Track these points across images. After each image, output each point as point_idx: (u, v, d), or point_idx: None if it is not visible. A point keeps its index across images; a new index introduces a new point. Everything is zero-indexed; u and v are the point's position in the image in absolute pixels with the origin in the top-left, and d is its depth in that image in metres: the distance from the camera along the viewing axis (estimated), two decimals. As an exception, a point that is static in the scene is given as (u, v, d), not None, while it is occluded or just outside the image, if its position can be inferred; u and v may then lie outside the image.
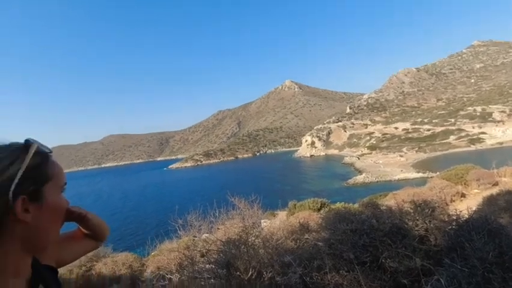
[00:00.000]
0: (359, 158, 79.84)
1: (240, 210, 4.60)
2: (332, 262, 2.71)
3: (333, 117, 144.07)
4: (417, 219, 3.00)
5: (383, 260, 2.45)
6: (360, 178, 55.80)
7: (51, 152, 0.77)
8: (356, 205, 8.79)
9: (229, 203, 5.18)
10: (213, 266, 2.69)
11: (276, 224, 6.47)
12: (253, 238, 2.95)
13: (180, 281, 3.25)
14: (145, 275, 6.87)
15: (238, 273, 2.34)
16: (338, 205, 10.74)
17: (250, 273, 2.32)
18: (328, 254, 2.70)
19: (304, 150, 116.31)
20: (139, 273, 7.04)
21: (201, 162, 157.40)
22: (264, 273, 2.39)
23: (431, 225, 2.96)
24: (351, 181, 54.46)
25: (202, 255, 3.19)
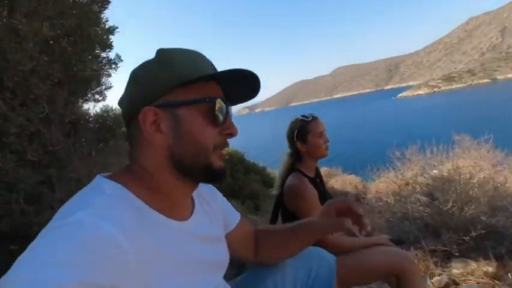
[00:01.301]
0: None
1: (465, 149, 4.42)
2: None
3: None
4: None
5: None
6: None
7: (309, 118, 1.59)
8: None
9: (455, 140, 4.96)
10: (417, 195, 3.20)
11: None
12: (466, 177, 3.07)
13: (391, 203, 4.00)
14: (367, 196, 8.15)
15: (437, 202, 2.74)
16: None
17: (450, 205, 2.64)
18: None
19: None
20: (362, 193, 8.43)
21: (439, 88, 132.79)
22: (466, 208, 2.61)
23: None
24: None
25: (407, 184, 3.71)
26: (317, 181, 1.54)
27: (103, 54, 1.75)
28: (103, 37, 1.63)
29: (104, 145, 1.81)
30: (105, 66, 1.76)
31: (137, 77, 0.65)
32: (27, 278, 0.39)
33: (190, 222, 0.68)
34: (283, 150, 1.60)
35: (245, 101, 0.76)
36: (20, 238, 0.99)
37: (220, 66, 0.69)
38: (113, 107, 2.00)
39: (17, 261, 0.42)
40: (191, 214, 0.70)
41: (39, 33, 1.07)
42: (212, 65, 0.67)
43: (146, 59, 0.67)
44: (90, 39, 1.52)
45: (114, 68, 1.78)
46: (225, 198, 0.90)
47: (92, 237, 0.45)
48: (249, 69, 0.63)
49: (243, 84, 0.69)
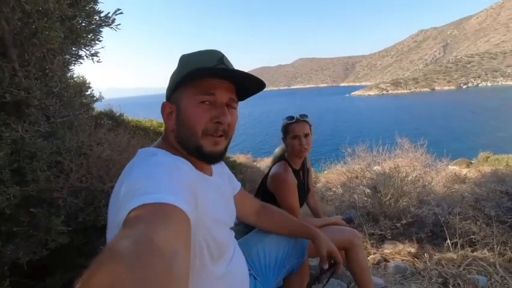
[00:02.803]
0: None
1: (404, 150, 5.13)
2: (472, 213, 3.08)
3: None
4: None
5: (528, 225, 2.61)
6: None
7: (292, 120, 1.88)
8: None
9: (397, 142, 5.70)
10: (363, 187, 3.73)
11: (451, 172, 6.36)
12: (403, 175, 3.65)
13: (340, 192, 4.55)
14: (317, 186, 8.83)
15: (379, 194, 3.27)
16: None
17: (388, 197, 3.19)
18: (470, 206, 3.05)
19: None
20: (314, 183, 9.10)
21: (387, 91, 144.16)
22: (400, 200, 3.18)
23: None
24: None
25: (356, 177, 4.26)
26: (299, 173, 1.81)
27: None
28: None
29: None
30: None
31: (170, 77, 0.85)
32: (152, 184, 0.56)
33: (215, 178, 0.91)
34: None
35: (255, 93, 0.90)
36: (43, 201, 1.08)
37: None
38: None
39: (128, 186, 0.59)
40: (212, 174, 0.91)
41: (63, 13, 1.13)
42: (220, 61, 0.79)
43: None
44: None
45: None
46: (229, 170, 1.13)
47: (174, 164, 0.70)
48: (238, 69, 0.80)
49: (247, 81, 0.82)
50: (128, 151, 1.49)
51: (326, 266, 1.17)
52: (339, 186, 5.56)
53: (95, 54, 1.59)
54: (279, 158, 1.78)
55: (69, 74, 2.02)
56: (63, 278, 1.16)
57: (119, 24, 1.54)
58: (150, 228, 0.44)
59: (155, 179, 0.59)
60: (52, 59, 1.19)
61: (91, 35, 1.60)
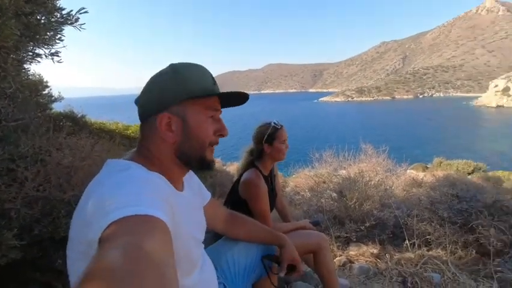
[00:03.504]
0: None
1: (368, 156, 5.40)
2: (428, 215, 3.32)
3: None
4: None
5: (474, 226, 2.86)
6: None
7: (279, 126, 1.90)
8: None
9: (361, 147, 5.99)
10: (330, 192, 3.88)
11: (409, 176, 6.79)
12: (366, 179, 3.84)
13: (308, 196, 4.67)
14: (286, 190, 8.98)
15: (345, 198, 3.41)
16: (500, 173, 9.31)
17: (354, 201, 3.34)
18: (426, 208, 3.29)
19: (489, 98, 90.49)
20: (282, 187, 9.24)
21: (352, 98, 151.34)
22: (364, 204, 3.34)
23: None
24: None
25: (324, 182, 4.40)
26: (269, 179, 1.84)
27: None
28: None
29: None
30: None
31: (155, 86, 0.82)
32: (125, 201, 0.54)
33: (187, 192, 0.91)
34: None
35: (235, 106, 0.97)
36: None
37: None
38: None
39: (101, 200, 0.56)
40: (183, 188, 0.91)
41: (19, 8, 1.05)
42: (213, 79, 0.87)
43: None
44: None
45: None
46: (198, 179, 1.13)
47: (149, 178, 0.70)
48: (243, 91, 0.88)
49: (236, 98, 0.90)
50: (91, 157, 1.40)
51: (283, 274, 1.23)
52: (307, 191, 5.70)
53: (55, 54, 1.48)
54: (249, 165, 1.79)
55: (24, 73, 1.88)
56: (14, 295, 1.06)
57: (84, 23, 1.46)
58: (136, 238, 0.43)
59: (132, 193, 0.57)
60: (6, 57, 1.09)
61: (52, 33, 1.50)
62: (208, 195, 1.15)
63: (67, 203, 1.11)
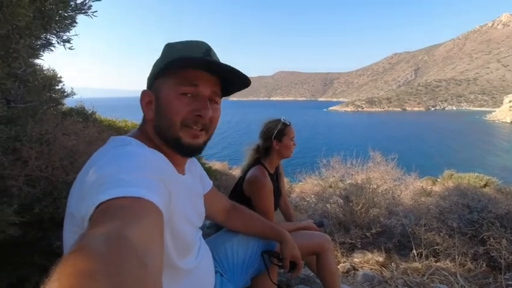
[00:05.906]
0: None
1: (376, 164, 5.31)
2: (436, 225, 3.22)
3: None
4: None
5: (485, 238, 2.76)
6: None
7: (288, 123, 1.87)
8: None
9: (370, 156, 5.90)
10: (336, 197, 3.81)
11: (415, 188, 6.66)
12: (374, 186, 3.77)
13: (313, 202, 4.60)
14: (292, 196, 8.90)
15: (351, 203, 3.35)
16: (513, 190, 9.01)
17: (360, 206, 3.27)
18: (435, 217, 3.19)
19: (503, 113, 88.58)
20: (288, 192, 9.17)
21: (362, 108, 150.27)
22: (371, 210, 3.27)
23: None
24: None
25: (331, 187, 4.34)
26: (274, 177, 1.80)
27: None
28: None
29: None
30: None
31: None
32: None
33: (187, 177, 0.88)
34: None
35: (240, 90, 0.87)
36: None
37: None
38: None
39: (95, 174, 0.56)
40: (184, 173, 0.88)
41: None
42: (207, 51, 0.77)
43: None
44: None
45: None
46: (201, 167, 1.10)
47: (148, 155, 0.67)
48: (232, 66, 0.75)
49: (232, 76, 0.79)
50: (97, 144, 1.40)
51: (286, 270, 1.21)
52: (313, 196, 5.63)
53: (67, 41, 1.50)
54: (255, 162, 1.76)
55: (37, 61, 1.91)
56: (11, 276, 1.05)
57: (96, 11, 1.47)
58: (122, 225, 0.42)
59: (127, 171, 0.55)
60: (18, 39, 1.11)
61: (68, 20, 1.52)
62: (209, 184, 1.12)
63: (69, 184, 1.11)
